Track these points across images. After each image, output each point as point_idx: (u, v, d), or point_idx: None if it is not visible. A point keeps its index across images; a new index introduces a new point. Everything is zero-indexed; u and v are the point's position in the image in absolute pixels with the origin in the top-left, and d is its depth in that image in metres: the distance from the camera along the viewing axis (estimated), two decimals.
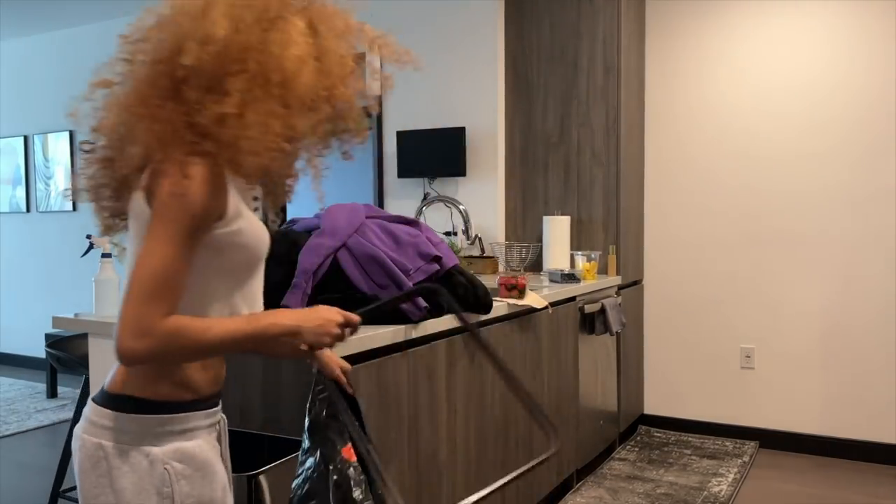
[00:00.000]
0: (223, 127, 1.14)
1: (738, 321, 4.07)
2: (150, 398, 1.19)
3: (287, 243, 2.12)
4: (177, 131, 1.14)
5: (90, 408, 1.22)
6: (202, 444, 1.24)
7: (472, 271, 3.71)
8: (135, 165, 1.19)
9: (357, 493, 1.40)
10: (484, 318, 2.44)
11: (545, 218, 3.85)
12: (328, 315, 1.25)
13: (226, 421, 1.40)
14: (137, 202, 1.19)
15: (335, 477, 1.40)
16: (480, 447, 2.51)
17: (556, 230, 3.80)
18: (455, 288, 2.27)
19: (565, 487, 3.35)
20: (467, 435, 2.42)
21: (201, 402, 1.25)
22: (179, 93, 1.16)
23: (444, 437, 2.28)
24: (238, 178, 1.21)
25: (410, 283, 2.08)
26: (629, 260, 4.05)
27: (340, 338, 1.27)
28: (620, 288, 3.96)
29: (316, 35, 1.23)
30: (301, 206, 8.46)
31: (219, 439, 1.34)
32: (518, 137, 4.15)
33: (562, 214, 4.02)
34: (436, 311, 2.20)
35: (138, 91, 1.17)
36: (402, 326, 2.04)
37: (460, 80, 4.22)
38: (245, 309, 1.27)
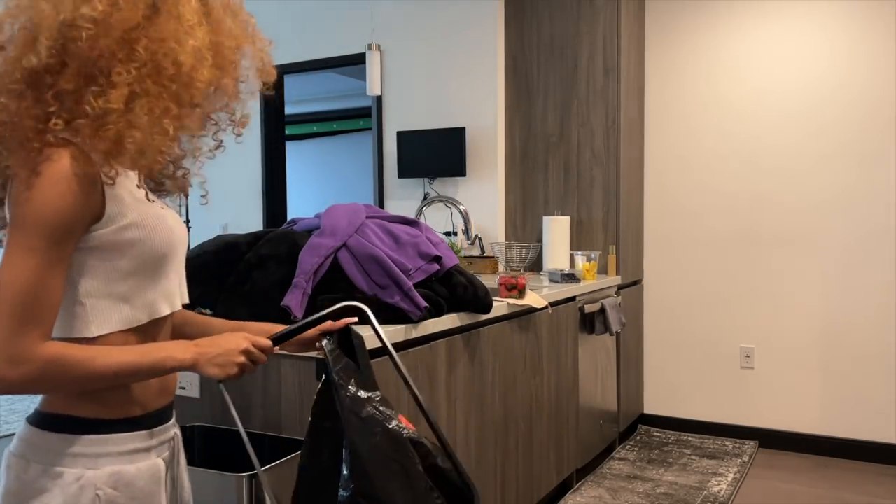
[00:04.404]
0: (106, 123, 1.01)
1: (737, 321, 4.07)
2: (88, 417, 1.09)
3: (288, 243, 2.12)
4: (29, 129, 1.01)
5: (23, 428, 1.11)
6: (143, 468, 1.13)
7: (472, 271, 3.71)
8: None
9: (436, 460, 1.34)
10: (484, 317, 2.45)
11: (545, 218, 3.85)
12: (230, 344, 1.17)
13: (180, 437, 1.28)
14: (5, 209, 1.06)
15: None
16: (480, 447, 2.51)
17: (556, 230, 3.81)
18: (455, 288, 2.27)
19: (565, 487, 3.35)
20: (467, 435, 2.42)
21: (146, 419, 1.15)
22: (38, 82, 1.01)
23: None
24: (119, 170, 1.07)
25: (410, 283, 2.08)
26: (629, 260, 4.06)
27: (247, 366, 1.19)
28: (620, 288, 3.96)
29: (209, 17, 1.11)
30: (301, 206, 8.47)
31: (172, 458, 1.23)
32: (518, 137, 4.15)
33: (562, 214, 4.02)
34: (436, 312, 2.20)
35: None
36: (402, 326, 2.04)
37: (460, 80, 4.22)
38: (165, 308, 1.17)
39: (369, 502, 1.22)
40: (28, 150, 1.00)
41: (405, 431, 1.33)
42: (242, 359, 1.17)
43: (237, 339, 1.18)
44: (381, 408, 1.33)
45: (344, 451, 1.28)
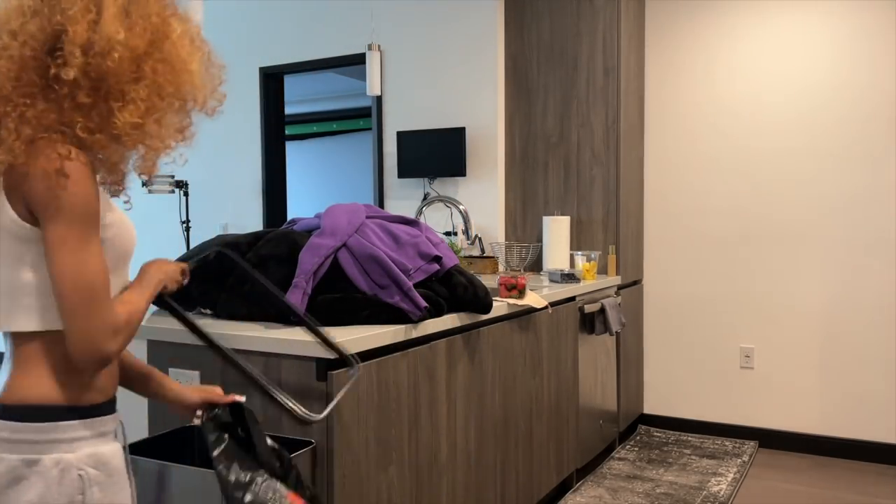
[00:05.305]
0: (130, 135, 1.16)
1: (737, 321, 4.07)
2: (58, 404, 1.16)
3: (288, 243, 2.12)
4: (48, 133, 1.12)
5: None
6: (113, 449, 1.22)
7: (472, 271, 3.71)
8: None
9: None
10: (484, 317, 2.45)
11: (545, 218, 3.85)
12: (166, 265, 1.36)
13: (123, 425, 1.34)
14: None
15: None
16: (480, 447, 2.51)
17: (556, 230, 3.81)
18: (455, 288, 2.27)
19: (565, 487, 3.36)
20: (467, 435, 2.42)
21: (107, 406, 1.23)
22: (50, 90, 1.12)
23: (444, 437, 2.29)
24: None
25: (410, 283, 2.08)
26: (629, 260, 4.06)
27: (182, 276, 1.40)
28: (620, 288, 3.96)
29: (194, 43, 1.26)
30: (301, 206, 8.46)
31: (123, 445, 1.31)
32: (518, 137, 4.15)
33: (562, 214, 4.02)
34: (436, 312, 2.20)
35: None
36: (402, 326, 2.04)
37: (460, 80, 4.22)
38: None
39: None
40: (54, 152, 1.10)
41: None
42: (180, 277, 1.39)
43: (164, 262, 1.37)
44: (263, 493, 1.37)
45: None
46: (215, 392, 1.48)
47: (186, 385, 1.49)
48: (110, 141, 1.16)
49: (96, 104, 1.14)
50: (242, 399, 1.49)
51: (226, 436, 1.42)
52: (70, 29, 1.11)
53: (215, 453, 1.39)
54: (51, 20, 1.12)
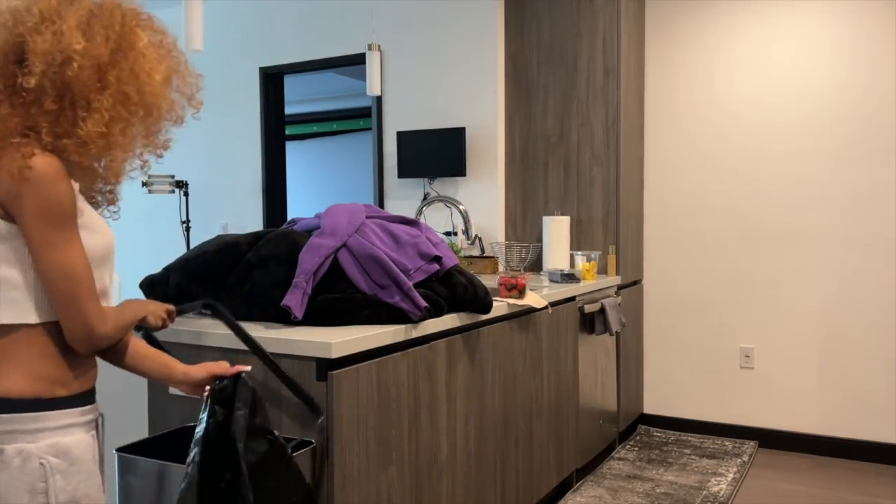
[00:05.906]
0: (92, 143, 1.22)
1: (737, 321, 4.07)
2: (19, 397, 1.21)
3: (288, 243, 2.12)
4: (12, 137, 1.19)
5: None
6: (78, 440, 1.26)
7: (472, 271, 3.71)
8: None
9: None
10: (484, 317, 2.45)
11: (545, 218, 3.85)
12: (151, 305, 1.47)
13: (104, 418, 1.40)
14: None
15: None
16: (480, 447, 2.51)
17: (556, 230, 3.81)
18: (455, 288, 2.27)
19: (565, 487, 3.36)
20: (467, 435, 2.42)
21: (75, 399, 1.27)
22: (16, 96, 1.20)
23: (444, 437, 2.29)
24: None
25: (410, 283, 2.08)
26: (629, 260, 4.06)
27: (167, 315, 1.51)
28: (620, 288, 3.96)
29: (168, 54, 1.32)
30: (301, 206, 8.45)
31: (97, 437, 1.35)
32: (518, 137, 4.15)
33: (561, 214, 4.02)
34: (436, 312, 2.20)
35: None
36: (402, 326, 2.04)
37: (460, 80, 4.22)
38: (105, 303, 1.35)
39: None
40: (18, 152, 1.17)
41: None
42: (164, 314, 1.50)
43: (150, 302, 1.47)
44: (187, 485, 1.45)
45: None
46: (221, 365, 1.53)
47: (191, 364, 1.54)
48: (78, 146, 1.22)
49: (63, 111, 1.20)
50: (247, 369, 1.52)
51: (220, 412, 1.48)
52: (30, 39, 1.18)
53: (195, 437, 1.46)
54: (13, 31, 1.20)
